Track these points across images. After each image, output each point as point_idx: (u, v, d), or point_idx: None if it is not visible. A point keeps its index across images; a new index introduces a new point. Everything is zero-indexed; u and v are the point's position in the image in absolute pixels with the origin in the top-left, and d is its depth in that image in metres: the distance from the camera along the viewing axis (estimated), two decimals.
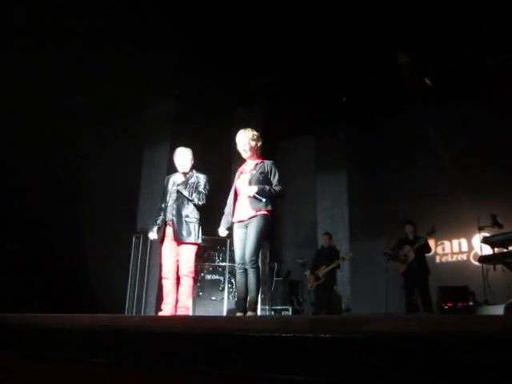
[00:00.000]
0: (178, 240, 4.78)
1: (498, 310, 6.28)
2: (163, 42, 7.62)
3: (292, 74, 8.57)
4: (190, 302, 5.00)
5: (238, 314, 4.21)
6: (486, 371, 1.37)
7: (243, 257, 4.27)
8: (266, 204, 4.27)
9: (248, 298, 4.19)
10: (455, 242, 9.62)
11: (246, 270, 4.28)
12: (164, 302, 4.82)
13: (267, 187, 4.31)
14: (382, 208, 10.02)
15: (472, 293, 7.74)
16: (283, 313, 8.74)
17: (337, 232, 10.11)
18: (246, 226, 4.28)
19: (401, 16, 7.04)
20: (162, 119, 9.65)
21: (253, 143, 4.51)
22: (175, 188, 4.95)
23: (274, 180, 4.40)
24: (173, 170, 5.25)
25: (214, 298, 8.07)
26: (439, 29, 7.26)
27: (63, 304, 5.93)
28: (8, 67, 7.05)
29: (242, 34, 7.53)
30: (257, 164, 4.49)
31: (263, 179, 4.36)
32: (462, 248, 9.51)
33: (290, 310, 8.82)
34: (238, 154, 4.68)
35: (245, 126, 4.76)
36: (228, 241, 7.92)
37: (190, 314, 5.56)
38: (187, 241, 4.77)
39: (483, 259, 7.25)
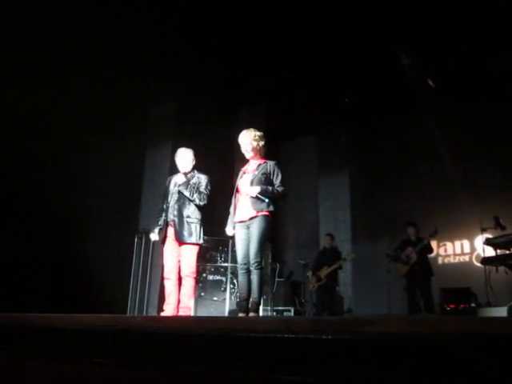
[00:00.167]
0: (180, 240, 4.78)
1: (501, 311, 6.27)
2: (165, 42, 7.62)
3: (294, 75, 8.56)
4: (191, 303, 5.00)
5: (240, 315, 4.21)
6: (489, 373, 1.37)
7: (245, 257, 4.27)
8: (268, 205, 4.27)
9: (250, 299, 4.19)
10: (457, 243, 9.60)
11: (247, 271, 4.28)
12: (166, 302, 4.82)
13: (270, 188, 4.30)
14: (384, 209, 10.00)
15: (474, 294, 7.72)
16: (285, 314, 8.73)
17: (339, 233, 10.09)
18: (248, 227, 4.28)
19: (403, 17, 7.02)
20: (164, 120, 9.66)
21: (255, 143, 4.50)
22: (177, 188, 4.96)
23: (277, 181, 4.39)
24: (175, 170, 5.26)
25: (215, 298, 8.07)
26: (441, 30, 7.24)
27: (65, 304, 5.95)
28: (11, 67, 7.07)
29: (245, 34, 7.52)
30: (259, 164, 4.49)
31: (265, 180, 4.35)
32: (465, 249, 9.49)
33: (292, 310, 8.80)
34: (241, 154, 4.69)
35: (247, 127, 4.76)
36: (230, 241, 7.92)
37: (192, 314, 5.55)
38: (188, 241, 4.77)
39: (486, 261, 7.25)
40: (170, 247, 4.87)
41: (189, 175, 5.02)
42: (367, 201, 10.57)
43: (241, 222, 4.36)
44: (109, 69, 7.85)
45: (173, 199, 4.93)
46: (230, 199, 4.60)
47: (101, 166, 8.53)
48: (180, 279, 4.81)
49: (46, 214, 7.73)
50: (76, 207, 8.43)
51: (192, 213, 4.86)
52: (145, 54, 7.81)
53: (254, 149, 4.50)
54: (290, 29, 7.30)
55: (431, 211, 8.92)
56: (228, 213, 4.60)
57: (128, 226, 8.94)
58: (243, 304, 4.25)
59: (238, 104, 10.18)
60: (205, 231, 4.96)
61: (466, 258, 9.43)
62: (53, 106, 7.79)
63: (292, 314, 8.70)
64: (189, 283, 4.75)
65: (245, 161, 4.67)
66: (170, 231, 4.86)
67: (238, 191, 4.50)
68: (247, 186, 4.36)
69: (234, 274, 7.89)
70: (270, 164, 4.47)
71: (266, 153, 4.65)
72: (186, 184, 4.92)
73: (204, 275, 8.19)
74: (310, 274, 8.82)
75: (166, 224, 4.90)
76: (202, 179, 4.97)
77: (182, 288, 4.76)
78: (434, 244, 8.28)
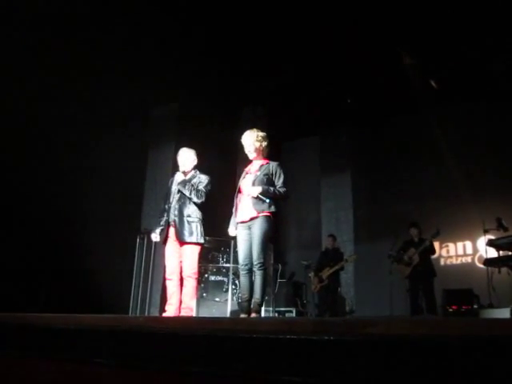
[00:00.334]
0: (180, 240, 4.78)
1: (503, 312, 6.26)
2: (168, 42, 7.63)
3: (297, 76, 8.56)
4: (193, 303, 4.99)
5: (242, 316, 4.21)
6: (491, 374, 1.37)
7: (246, 258, 4.27)
8: (269, 205, 4.26)
9: (253, 300, 4.19)
10: (460, 244, 9.58)
11: (249, 271, 4.28)
12: (168, 302, 4.82)
13: (271, 188, 4.29)
14: (387, 210, 10.00)
15: (476, 296, 7.70)
16: (287, 314, 8.72)
17: (341, 234, 10.08)
18: (249, 227, 4.28)
19: (406, 17, 7.02)
20: (166, 120, 9.67)
21: (257, 144, 4.49)
22: (176, 187, 4.98)
23: (279, 182, 4.38)
24: (177, 170, 5.26)
25: (217, 299, 8.07)
26: (443, 30, 7.24)
27: (67, 304, 5.95)
28: (13, 67, 7.08)
29: (247, 35, 7.53)
30: (262, 165, 4.48)
31: (267, 180, 4.34)
32: (467, 251, 9.47)
33: (294, 311, 8.80)
34: (243, 154, 4.69)
35: (249, 127, 4.76)
36: (232, 242, 7.92)
37: (194, 315, 5.55)
38: (189, 240, 4.77)
39: (488, 262, 7.24)
40: (172, 248, 4.87)
41: (189, 174, 5.02)
42: (369, 201, 10.57)
43: (242, 222, 4.35)
44: (111, 69, 7.85)
45: (174, 199, 4.94)
46: (233, 200, 4.60)
47: (103, 166, 8.52)
48: (182, 280, 4.81)
49: (48, 214, 7.73)
50: (78, 207, 8.43)
51: (192, 212, 4.86)
52: (147, 54, 7.82)
53: (256, 149, 4.50)
54: (292, 29, 7.31)
55: (433, 212, 8.91)
56: (230, 213, 4.60)
57: (130, 226, 8.95)
58: (245, 305, 4.24)
59: (240, 104, 10.18)
60: (206, 231, 4.96)
61: (469, 260, 9.42)
62: (54, 107, 7.79)
63: (294, 314, 8.70)
64: (190, 284, 4.75)
65: (248, 161, 4.66)
66: (172, 231, 4.86)
67: (240, 191, 4.49)
68: (249, 186, 4.36)
69: (236, 274, 7.89)
70: (273, 165, 4.46)
71: (269, 153, 4.64)
72: (185, 182, 4.92)
73: (206, 276, 8.19)
74: (312, 274, 8.81)
75: (168, 224, 4.90)
76: (202, 179, 4.98)
77: (184, 288, 4.76)
78: (436, 245, 8.27)
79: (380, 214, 10.17)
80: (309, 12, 6.93)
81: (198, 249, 4.86)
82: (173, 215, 4.86)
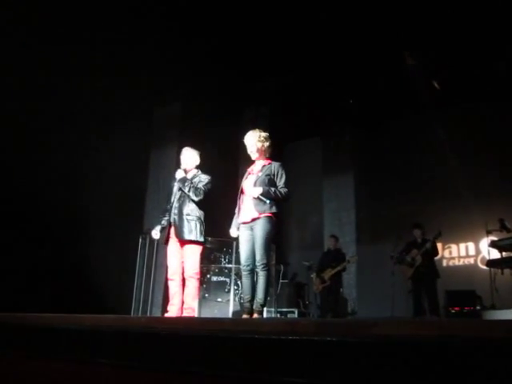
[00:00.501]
0: (179, 237, 4.79)
1: (506, 314, 6.24)
2: (170, 42, 7.63)
3: (299, 77, 8.56)
4: (195, 304, 4.99)
5: (244, 316, 4.20)
6: (494, 376, 1.36)
7: (248, 258, 4.26)
8: (271, 206, 4.24)
9: (255, 301, 4.18)
10: (462, 245, 9.57)
11: (251, 272, 4.27)
12: (170, 303, 4.82)
13: (272, 189, 4.27)
14: (389, 211, 9.99)
15: (479, 297, 7.69)
16: (289, 315, 8.71)
17: (343, 235, 10.08)
18: (251, 228, 4.27)
19: (409, 19, 7.02)
20: (169, 121, 9.68)
21: (259, 144, 4.49)
22: (176, 183, 4.99)
23: (281, 182, 4.36)
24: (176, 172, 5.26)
25: (219, 299, 8.07)
26: (446, 31, 7.23)
27: (69, 304, 5.95)
28: (15, 67, 7.09)
29: (250, 35, 7.53)
30: (264, 165, 4.47)
31: (269, 181, 4.33)
32: (470, 252, 9.45)
33: (296, 312, 8.79)
34: (246, 155, 4.68)
35: (251, 128, 4.75)
36: (234, 243, 7.92)
37: (196, 315, 5.55)
38: (188, 238, 4.76)
39: (491, 263, 7.23)
40: (174, 248, 4.87)
41: (190, 173, 5.04)
42: (372, 202, 10.56)
43: (244, 223, 4.35)
44: (113, 69, 7.86)
45: (175, 199, 4.95)
46: (235, 200, 4.60)
47: (105, 166, 8.53)
48: (184, 280, 4.81)
49: (51, 214, 7.74)
50: (80, 208, 8.44)
51: (192, 210, 4.86)
52: (150, 54, 7.82)
53: (259, 150, 4.49)
54: (294, 30, 7.31)
55: (436, 213, 8.90)
56: (233, 214, 4.59)
57: (132, 226, 8.96)
58: (247, 305, 4.24)
59: (242, 105, 10.19)
60: (207, 230, 4.95)
61: (471, 261, 9.40)
62: (56, 107, 7.80)
63: (296, 315, 8.69)
64: (192, 284, 4.75)
65: (250, 161, 4.66)
66: (173, 232, 4.87)
67: (242, 192, 4.49)
68: (251, 187, 4.35)
69: (238, 275, 7.89)
70: (275, 165, 4.45)
71: (272, 154, 4.63)
72: (185, 180, 4.93)
73: (208, 276, 8.19)
74: (314, 275, 8.81)
75: (170, 224, 4.90)
76: (202, 178, 4.98)
77: (186, 289, 4.76)
78: (438, 246, 8.24)
79: (382, 215, 10.16)
80: (311, 13, 6.93)
81: (199, 249, 4.86)
82: (173, 214, 4.87)
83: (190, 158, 5.10)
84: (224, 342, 1.91)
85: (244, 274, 4.32)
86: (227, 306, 7.91)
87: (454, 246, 9.64)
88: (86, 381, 2.32)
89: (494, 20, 6.96)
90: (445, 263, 9.55)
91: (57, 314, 3.33)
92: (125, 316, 5.34)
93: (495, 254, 7.27)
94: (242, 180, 4.63)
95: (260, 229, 4.18)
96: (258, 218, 4.22)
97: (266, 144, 4.52)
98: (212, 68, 8.16)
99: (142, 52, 7.76)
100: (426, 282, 7.49)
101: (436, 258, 7.96)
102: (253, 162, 4.62)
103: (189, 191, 4.85)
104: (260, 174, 4.40)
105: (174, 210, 4.88)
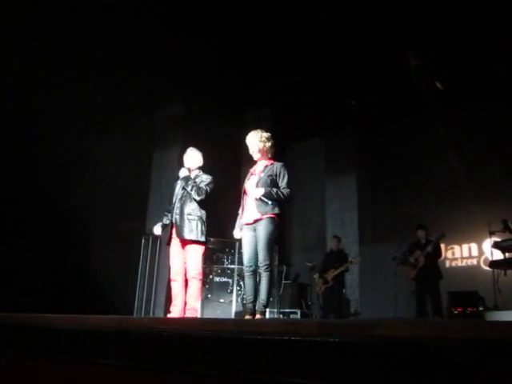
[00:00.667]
0: (181, 237, 4.79)
1: (509, 315, 6.23)
2: (173, 43, 7.64)
3: (301, 78, 8.56)
4: (198, 304, 5.00)
5: (247, 317, 4.21)
6: (496, 377, 1.36)
7: (251, 259, 4.26)
8: (273, 207, 4.23)
9: (258, 301, 4.19)
10: (465, 246, 9.54)
11: (254, 273, 4.27)
12: (173, 303, 4.83)
13: (274, 190, 4.26)
14: (392, 212, 9.97)
15: (482, 298, 7.67)
16: (292, 316, 8.71)
17: (346, 235, 10.07)
18: (254, 229, 4.27)
19: (411, 19, 7.01)
20: (171, 122, 9.69)
21: (261, 145, 4.48)
22: (180, 183, 5.00)
23: (283, 183, 4.35)
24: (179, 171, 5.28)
25: (222, 300, 8.08)
26: (449, 31, 7.22)
27: (72, 305, 5.95)
28: (20, 66, 7.10)
29: (253, 36, 7.53)
30: (266, 166, 4.46)
31: (271, 182, 4.32)
32: (472, 253, 9.43)
33: (299, 313, 8.78)
34: (248, 156, 4.68)
35: (254, 129, 4.75)
36: (236, 243, 7.93)
37: (199, 316, 5.56)
38: (189, 238, 4.77)
39: (494, 264, 7.22)
40: (176, 249, 4.88)
41: (193, 173, 5.05)
42: (374, 203, 10.56)
43: (247, 224, 4.35)
44: (116, 70, 7.88)
45: (177, 199, 4.97)
46: (237, 201, 4.60)
47: (108, 167, 8.54)
48: (187, 281, 4.81)
49: (54, 215, 7.75)
50: (83, 209, 8.45)
51: (193, 210, 4.87)
52: (152, 55, 7.83)
53: (261, 150, 4.49)
54: (296, 31, 7.31)
55: (439, 214, 8.89)
56: (235, 214, 4.59)
57: (135, 227, 8.97)
58: (249, 306, 4.24)
59: (244, 106, 10.20)
60: (209, 231, 4.96)
61: (474, 262, 9.37)
62: (58, 107, 7.81)
63: (298, 316, 8.69)
64: (195, 285, 4.76)
65: (253, 162, 4.65)
66: (175, 232, 4.87)
67: (245, 193, 4.48)
68: (253, 187, 4.35)
69: (241, 276, 7.89)
70: (277, 166, 4.44)
71: (274, 154, 4.62)
72: (188, 178, 4.95)
73: (210, 277, 8.20)
74: (316, 276, 8.80)
75: (172, 225, 4.91)
76: (204, 178, 5.00)
77: (188, 290, 4.76)
78: (441, 247, 8.22)
79: (385, 216, 10.15)
80: (313, 13, 6.93)
81: (201, 249, 4.87)
82: (175, 214, 4.88)
83: (193, 158, 5.11)
84: (226, 342, 1.91)
85: (247, 274, 4.32)
86: (230, 307, 7.92)
87: (456, 247, 9.61)
88: (89, 381, 2.33)
89: (495, 20, 6.95)
90: (448, 264, 9.52)
91: (59, 314, 3.34)
92: (127, 317, 5.34)
93: (498, 255, 7.26)
94: (244, 181, 4.63)
95: (263, 230, 4.18)
96: (261, 219, 4.21)
97: (268, 144, 4.51)
98: (214, 69, 8.16)
99: (144, 53, 7.76)
100: (429, 283, 7.48)
101: (439, 259, 7.95)
102: (255, 162, 4.62)
103: (191, 190, 4.87)
104: (262, 174, 4.39)
105: (176, 210, 4.90)
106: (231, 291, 8.08)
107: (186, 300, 4.76)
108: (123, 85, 8.16)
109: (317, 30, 7.23)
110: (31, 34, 7.06)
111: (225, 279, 8.29)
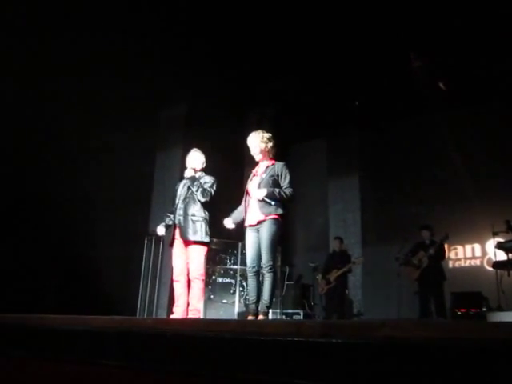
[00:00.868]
0: (184, 238, 4.79)
1: None
2: (176, 44, 7.65)
3: (304, 78, 8.56)
4: (200, 305, 4.99)
5: (250, 318, 4.20)
6: (499, 378, 1.36)
7: (254, 260, 4.26)
8: (276, 208, 4.22)
9: (260, 302, 4.18)
10: (468, 247, 9.52)
11: (257, 273, 4.27)
12: (175, 304, 4.83)
13: (277, 190, 4.25)
14: (395, 212, 9.96)
15: (485, 298, 7.65)
16: (294, 317, 8.71)
17: (349, 236, 10.06)
18: (258, 231, 4.26)
19: (414, 20, 7.00)
20: (174, 123, 9.70)
21: (263, 145, 4.47)
22: (185, 182, 5.01)
23: (285, 182, 4.33)
24: (184, 172, 5.28)
25: (225, 301, 8.07)
26: (452, 32, 7.22)
27: (75, 305, 5.97)
28: (23, 67, 7.12)
29: (255, 37, 7.54)
30: (268, 166, 4.44)
31: (273, 182, 4.31)
32: (476, 253, 9.40)
33: (302, 314, 8.78)
34: (250, 157, 4.67)
35: (257, 129, 4.74)
36: (239, 244, 7.93)
37: (201, 316, 5.56)
38: (193, 239, 4.77)
39: (497, 265, 7.20)
40: (179, 249, 4.88)
41: (197, 173, 5.05)
42: (377, 204, 10.53)
43: (250, 225, 4.34)
44: (118, 70, 7.89)
45: (180, 200, 4.97)
46: (239, 202, 4.59)
47: (110, 168, 8.55)
48: (189, 281, 4.81)
49: (57, 215, 7.77)
50: (86, 210, 8.46)
51: (197, 211, 4.88)
52: (154, 55, 7.84)
53: (262, 150, 4.48)
54: (300, 31, 7.31)
55: (442, 215, 8.87)
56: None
57: (138, 228, 8.98)
58: (252, 307, 4.23)
59: (247, 106, 10.19)
60: (212, 232, 4.96)
61: (477, 262, 9.35)
62: (61, 108, 7.83)
63: (301, 317, 8.69)
64: (198, 285, 4.76)
65: (255, 163, 4.65)
66: (178, 233, 4.87)
67: (248, 195, 4.47)
68: (255, 189, 4.34)
69: (244, 276, 7.89)
70: (279, 165, 4.42)
71: (276, 154, 4.62)
72: (194, 179, 4.95)
73: (213, 278, 8.20)
74: (319, 277, 8.80)
75: (175, 226, 4.91)
76: (207, 179, 5.00)
77: (191, 290, 4.76)
78: (445, 248, 8.20)
79: (388, 217, 10.13)
80: (317, 14, 6.93)
81: (204, 250, 4.86)
82: (178, 215, 4.88)
83: (197, 159, 5.11)
84: (229, 343, 1.91)
85: (250, 275, 4.31)
86: (232, 308, 7.92)
87: (460, 248, 9.59)
88: (92, 382, 2.33)
89: (498, 21, 6.94)
90: (451, 264, 9.50)
91: (62, 315, 3.34)
92: (130, 317, 5.34)
93: (501, 256, 7.24)
94: (246, 182, 4.62)
95: (266, 231, 4.17)
96: (264, 221, 4.21)
97: (270, 145, 4.50)
98: (217, 69, 8.16)
99: (146, 53, 7.77)
100: (433, 283, 7.46)
101: (443, 260, 7.93)
102: (257, 163, 4.61)
103: (197, 191, 4.87)
104: (264, 175, 4.38)
105: (179, 211, 4.90)
106: (234, 292, 8.07)
107: (189, 301, 4.76)
108: (126, 85, 8.16)
109: (320, 30, 7.23)
110: (34, 32, 7.08)
111: (227, 280, 8.28)
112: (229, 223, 4.60)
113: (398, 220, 9.69)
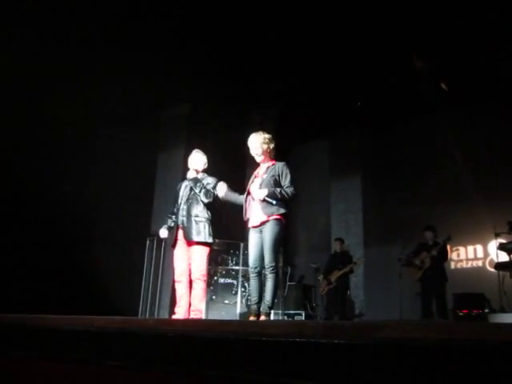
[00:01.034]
0: (188, 239, 4.79)
1: None
2: (178, 44, 7.65)
3: (307, 79, 8.56)
4: (202, 306, 4.99)
5: (251, 318, 4.20)
6: (501, 379, 1.35)
7: (257, 261, 4.26)
8: (278, 208, 4.22)
9: (262, 303, 4.18)
10: (470, 248, 9.50)
11: (259, 274, 4.27)
12: (177, 305, 4.83)
13: (278, 189, 4.24)
14: (397, 213, 9.95)
15: (487, 300, 7.64)
16: (296, 317, 8.71)
17: (351, 237, 10.05)
18: (261, 231, 4.26)
19: (416, 20, 7.00)
20: (176, 123, 9.70)
21: (265, 146, 4.47)
22: (187, 183, 5.01)
23: (286, 182, 4.32)
24: (187, 172, 5.28)
25: (227, 301, 8.08)
26: (454, 33, 7.21)
27: (77, 305, 5.98)
28: (26, 67, 7.14)
29: (258, 38, 7.54)
30: (268, 167, 4.45)
31: (274, 182, 4.30)
32: (478, 254, 9.39)
33: (303, 314, 8.78)
34: (252, 157, 4.66)
35: (259, 130, 4.74)
36: (241, 245, 7.93)
37: (203, 317, 5.56)
38: (197, 240, 4.78)
39: (499, 266, 7.20)
40: (181, 250, 4.88)
41: (199, 174, 5.05)
42: (379, 204, 10.52)
43: (254, 227, 4.34)
44: (121, 71, 7.90)
45: (182, 201, 4.97)
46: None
47: (112, 168, 8.57)
48: (191, 282, 4.81)
49: (59, 216, 7.78)
50: (88, 210, 8.48)
51: (200, 212, 4.88)
52: (158, 56, 7.85)
53: (264, 151, 4.47)
54: (302, 32, 7.31)
55: (444, 216, 8.85)
56: (240, 216, 4.55)
57: (140, 229, 8.98)
58: (254, 307, 4.23)
59: (250, 107, 10.19)
60: (215, 232, 4.96)
61: (479, 263, 9.33)
62: (63, 109, 7.84)
63: (303, 317, 8.69)
64: (199, 286, 4.76)
65: (256, 164, 4.65)
66: (180, 233, 4.87)
67: (249, 193, 4.46)
68: (256, 189, 4.33)
69: (246, 277, 7.89)
70: (279, 165, 4.42)
71: (277, 155, 4.62)
72: (196, 180, 4.95)
73: (215, 278, 8.20)
74: (321, 277, 8.80)
75: (177, 227, 4.91)
76: (210, 180, 5.00)
77: (193, 291, 4.76)
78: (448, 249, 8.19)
79: (390, 218, 10.12)
80: (319, 15, 6.93)
81: (206, 250, 4.86)
82: (181, 216, 4.88)
83: (199, 160, 5.11)
84: (231, 343, 1.91)
85: (252, 276, 4.31)
86: (234, 308, 7.92)
87: (462, 249, 9.57)
88: (93, 382, 2.33)
89: (500, 22, 6.93)
90: (453, 266, 9.49)
91: (64, 315, 3.35)
92: (132, 318, 5.36)
93: (504, 257, 7.24)
94: (248, 182, 4.62)
95: (269, 232, 4.17)
96: (267, 221, 4.21)
97: (272, 145, 4.51)
98: (219, 70, 8.17)
99: (150, 54, 7.78)
100: (435, 284, 7.45)
101: (445, 261, 7.91)
102: (258, 164, 4.61)
103: (200, 192, 4.87)
104: (265, 176, 4.38)
105: (182, 212, 4.90)
106: (236, 292, 8.08)
107: (191, 301, 4.76)
108: (128, 86, 8.18)
109: (322, 30, 7.23)
110: (35, 31, 7.09)
111: (229, 280, 8.29)
112: (221, 187, 4.61)
113: (400, 221, 9.69)
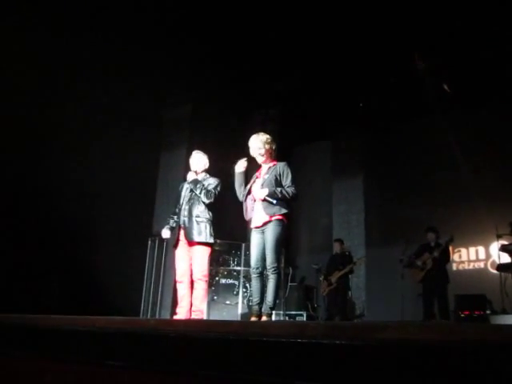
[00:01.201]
0: (189, 239, 4.79)
1: None
2: (180, 45, 7.66)
3: (309, 79, 8.56)
4: (204, 306, 4.99)
5: (253, 319, 4.20)
6: (503, 381, 1.35)
7: (258, 261, 4.26)
8: (280, 208, 4.23)
9: (264, 303, 4.18)
10: (472, 249, 9.49)
11: (260, 275, 4.27)
12: (179, 305, 4.83)
13: (279, 189, 4.25)
14: (399, 214, 9.94)
15: (489, 301, 7.63)
16: (297, 318, 8.70)
17: (352, 237, 10.05)
18: (263, 232, 4.26)
19: (419, 21, 6.99)
20: (178, 123, 9.70)
21: (267, 146, 4.48)
22: (188, 186, 5.01)
23: (287, 181, 4.33)
24: (189, 172, 5.28)
25: (228, 302, 8.08)
26: (456, 34, 7.20)
27: (79, 306, 5.98)
28: (28, 65, 7.14)
29: (260, 38, 7.54)
30: (270, 167, 4.46)
31: (275, 182, 4.30)
32: (480, 256, 9.38)
33: (305, 315, 8.78)
34: (253, 158, 4.67)
35: (261, 131, 4.75)
36: (243, 245, 7.93)
37: (204, 317, 5.56)
38: (198, 240, 4.78)
39: (501, 267, 7.20)
40: (182, 250, 4.88)
41: (200, 176, 5.05)
42: (381, 205, 10.52)
43: (256, 227, 4.34)
44: (122, 71, 7.90)
45: (184, 201, 4.97)
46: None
47: (114, 168, 8.57)
48: (192, 282, 4.82)
49: (60, 216, 7.79)
50: (90, 210, 8.48)
51: (201, 212, 4.88)
52: (159, 56, 7.85)
53: (266, 152, 4.48)
54: (303, 33, 7.31)
55: (446, 217, 8.84)
56: (241, 217, 4.56)
57: (142, 229, 8.99)
58: (256, 308, 4.23)
59: (252, 108, 10.20)
60: (216, 233, 4.96)
61: (481, 265, 9.32)
62: (65, 109, 7.85)
63: (304, 318, 8.68)
64: (201, 286, 4.76)
65: (258, 165, 4.65)
66: (182, 234, 4.88)
67: (249, 193, 4.46)
68: (258, 190, 4.34)
69: (247, 277, 7.89)
70: (280, 165, 4.43)
71: (278, 156, 4.62)
72: (196, 181, 4.95)
73: (217, 279, 8.20)
74: (322, 278, 8.80)
75: (179, 227, 4.91)
76: (211, 181, 5.01)
77: (194, 291, 4.76)
78: (450, 251, 8.18)
79: (392, 218, 10.12)
80: (321, 16, 6.93)
81: (207, 251, 4.87)
82: (182, 216, 4.89)
83: (200, 161, 5.12)
84: (232, 344, 1.91)
85: (253, 276, 4.31)
86: (236, 309, 7.93)
87: (463, 250, 9.56)
88: (94, 382, 2.33)
89: (502, 23, 6.92)
90: (455, 267, 9.47)
91: (66, 315, 3.34)
92: (134, 318, 5.35)
93: (505, 258, 7.23)
94: (249, 183, 4.61)
95: (271, 232, 4.17)
96: (269, 222, 4.21)
97: (273, 146, 4.54)
98: (221, 70, 8.18)
99: (152, 54, 7.79)
100: (436, 286, 7.44)
101: (447, 263, 7.90)
102: (259, 166, 4.61)
103: (200, 193, 4.87)
104: (266, 176, 4.39)
105: (184, 212, 4.90)
106: (237, 293, 8.08)
107: (192, 302, 4.76)
108: (130, 86, 8.18)
109: (324, 31, 7.23)
110: (35, 31, 7.09)
111: (231, 281, 8.29)
112: (242, 164, 4.58)
113: (402, 222, 9.68)
